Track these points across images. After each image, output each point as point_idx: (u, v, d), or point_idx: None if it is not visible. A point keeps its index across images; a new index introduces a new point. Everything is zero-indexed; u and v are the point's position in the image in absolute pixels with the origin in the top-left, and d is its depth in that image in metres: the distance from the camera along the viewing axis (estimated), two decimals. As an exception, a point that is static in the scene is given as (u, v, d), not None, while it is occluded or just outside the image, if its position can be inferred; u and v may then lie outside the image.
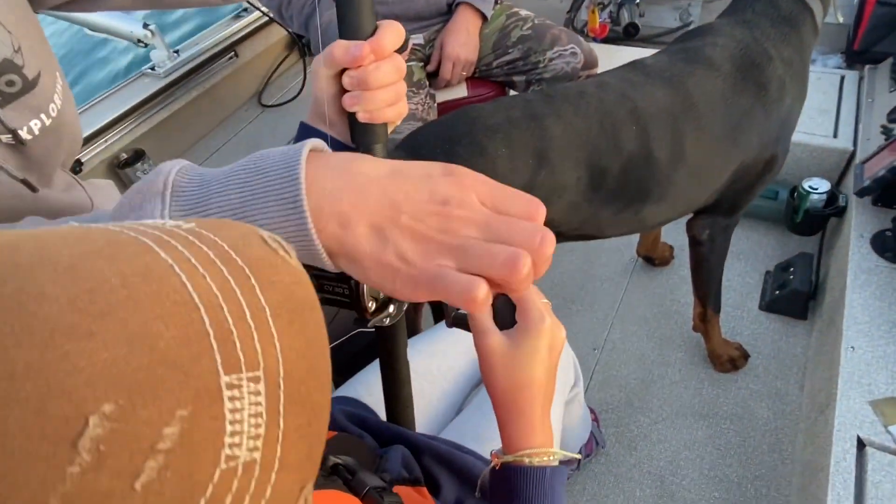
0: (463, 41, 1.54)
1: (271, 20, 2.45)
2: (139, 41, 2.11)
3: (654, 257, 1.68)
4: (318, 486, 0.48)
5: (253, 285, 0.23)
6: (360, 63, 0.44)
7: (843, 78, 1.86)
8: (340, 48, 0.44)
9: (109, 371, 0.19)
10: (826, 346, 1.30)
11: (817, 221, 1.59)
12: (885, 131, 1.52)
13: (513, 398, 0.53)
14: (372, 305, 0.46)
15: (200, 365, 0.21)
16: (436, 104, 1.61)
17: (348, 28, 0.45)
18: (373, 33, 0.45)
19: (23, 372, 0.17)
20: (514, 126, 0.96)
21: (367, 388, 0.82)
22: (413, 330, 1.27)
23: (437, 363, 0.87)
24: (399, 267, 0.34)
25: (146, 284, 0.21)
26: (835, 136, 1.65)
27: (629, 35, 2.35)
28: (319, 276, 0.45)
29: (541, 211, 0.37)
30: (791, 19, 1.10)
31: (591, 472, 1.30)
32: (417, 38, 1.61)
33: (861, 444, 0.99)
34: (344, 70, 0.45)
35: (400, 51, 0.46)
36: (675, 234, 1.59)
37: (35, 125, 0.59)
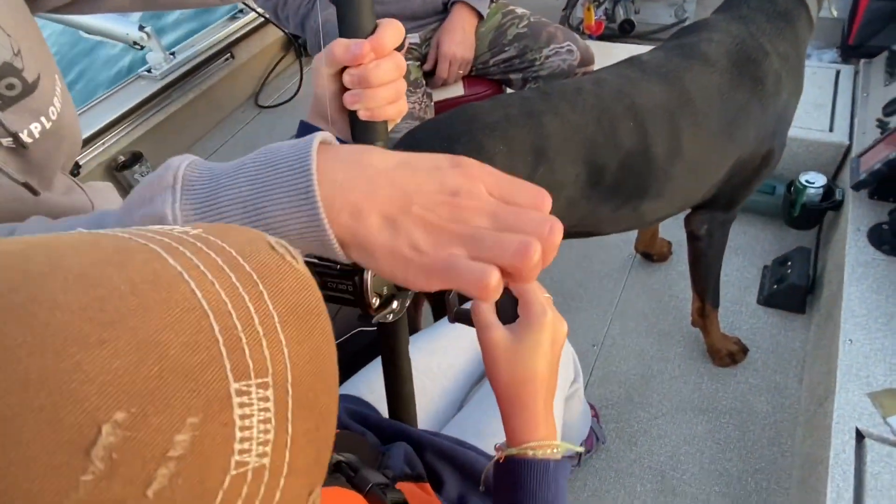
0: (459, 40, 1.54)
1: (267, 21, 2.45)
2: (135, 43, 2.11)
3: (652, 253, 1.69)
4: (321, 482, 0.49)
5: (261, 292, 0.24)
6: (361, 61, 0.44)
7: (838, 72, 1.86)
8: (341, 46, 0.44)
9: (121, 380, 0.19)
10: (824, 340, 1.31)
11: (814, 216, 1.60)
12: (881, 125, 1.53)
13: (516, 392, 0.53)
14: (376, 302, 0.46)
15: (210, 372, 0.21)
16: (433, 103, 1.61)
17: (348, 27, 0.46)
18: (372, 32, 0.46)
19: (37, 381, 0.18)
20: (511, 124, 0.96)
21: (369, 385, 0.82)
22: (413, 328, 1.27)
23: (438, 361, 0.87)
24: (411, 256, 0.35)
25: (156, 292, 0.21)
26: (831, 130, 1.66)
27: (625, 32, 2.35)
28: (323, 274, 0.45)
29: (547, 200, 0.37)
30: (786, 14, 1.11)
31: (591, 468, 1.30)
32: (414, 38, 1.61)
33: (860, 436, 1.00)
34: (344, 68, 0.45)
35: (397, 50, 0.47)
36: (673, 230, 1.59)
37: (35, 128, 0.59)
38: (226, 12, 2.49)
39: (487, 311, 0.56)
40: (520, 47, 1.57)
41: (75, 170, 1.85)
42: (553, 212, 0.36)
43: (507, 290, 0.47)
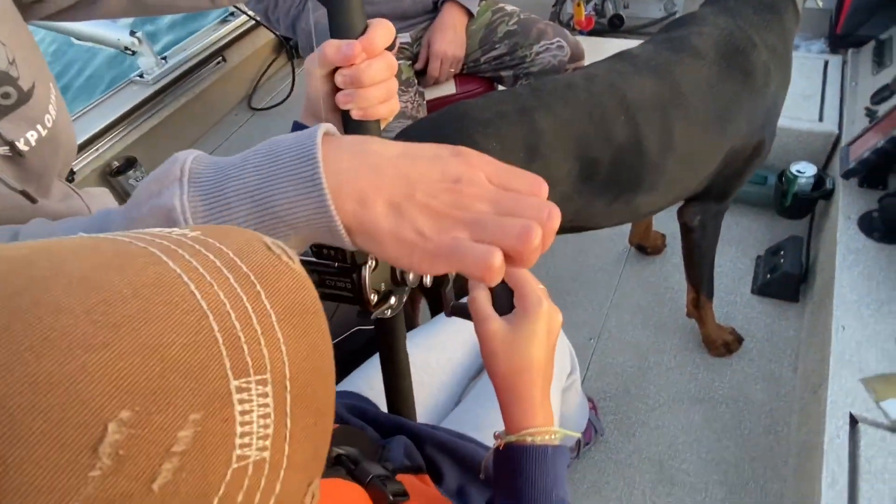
0: (450, 38, 1.54)
1: (258, 24, 2.44)
2: (126, 49, 2.11)
3: (646, 246, 1.70)
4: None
5: (258, 291, 0.25)
6: (353, 61, 0.45)
7: (826, 62, 1.88)
8: (332, 47, 0.45)
9: (125, 380, 0.20)
10: (818, 327, 1.32)
11: (805, 205, 1.61)
12: (869, 113, 1.54)
13: (514, 381, 0.54)
14: (374, 298, 0.47)
15: (210, 370, 0.22)
16: (425, 101, 1.62)
17: (339, 27, 0.46)
18: (363, 32, 0.46)
19: (45, 383, 0.19)
20: (504, 120, 0.97)
21: (368, 381, 0.83)
22: (410, 324, 1.28)
23: (436, 356, 0.88)
24: (417, 241, 0.36)
25: (156, 294, 0.22)
26: (820, 119, 1.67)
27: (614, 27, 2.36)
28: (322, 272, 0.46)
29: (544, 187, 0.38)
30: (773, 6, 1.12)
31: (590, 460, 1.32)
32: (405, 37, 1.61)
33: (854, 421, 1.01)
34: (336, 69, 0.46)
35: (388, 49, 0.47)
36: (666, 223, 1.60)
37: (32, 136, 0.60)
38: (216, 16, 2.49)
39: (484, 304, 0.57)
40: (510, 44, 1.58)
41: (70, 176, 1.85)
42: (548, 205, 0.38)
43: (502, 283, 0.48)
